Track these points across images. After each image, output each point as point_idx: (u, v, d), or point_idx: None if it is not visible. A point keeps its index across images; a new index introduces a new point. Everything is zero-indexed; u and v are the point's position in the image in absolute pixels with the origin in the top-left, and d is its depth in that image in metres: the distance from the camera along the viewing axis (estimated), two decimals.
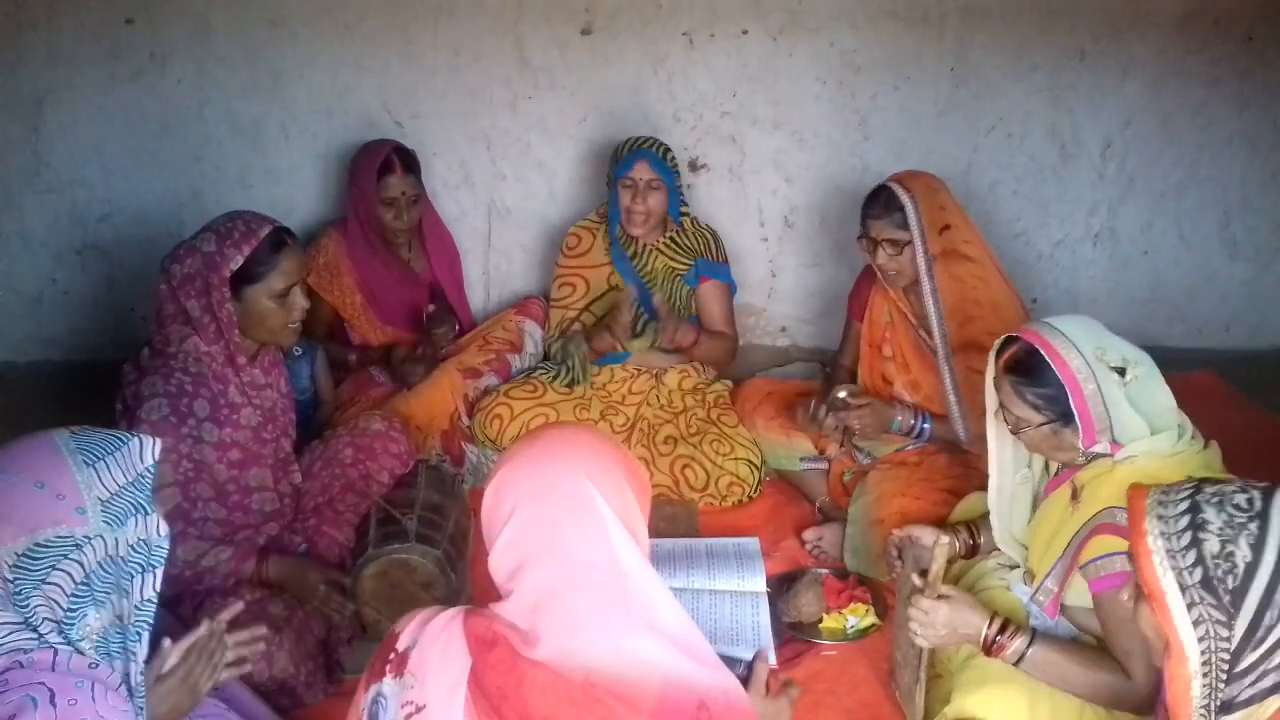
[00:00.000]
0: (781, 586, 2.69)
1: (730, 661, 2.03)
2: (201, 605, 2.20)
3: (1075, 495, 2.12)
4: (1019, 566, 2.35)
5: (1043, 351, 2.03)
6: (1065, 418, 2.04)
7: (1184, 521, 1.44)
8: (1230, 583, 1.40)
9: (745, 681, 1.71)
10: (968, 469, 2.86)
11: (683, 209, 3.36)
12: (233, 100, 3.53)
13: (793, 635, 2.58)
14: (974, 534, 2.49)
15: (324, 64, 3.53)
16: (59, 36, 3.40)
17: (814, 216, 3.80)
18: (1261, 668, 1.41)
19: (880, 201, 2.84)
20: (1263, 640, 1.40)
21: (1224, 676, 1.42)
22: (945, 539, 2.16)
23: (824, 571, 2.72)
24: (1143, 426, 2.03)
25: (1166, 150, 3.83)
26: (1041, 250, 3.93)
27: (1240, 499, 1.44)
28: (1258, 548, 1.40)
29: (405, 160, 3.22)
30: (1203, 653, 1.42)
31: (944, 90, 3.69)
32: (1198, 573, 1.41)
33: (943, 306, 2.83)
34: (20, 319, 3.70)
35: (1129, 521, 1.51)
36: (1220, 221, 3.95)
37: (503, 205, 3.76)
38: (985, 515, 2.54)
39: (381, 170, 3.18)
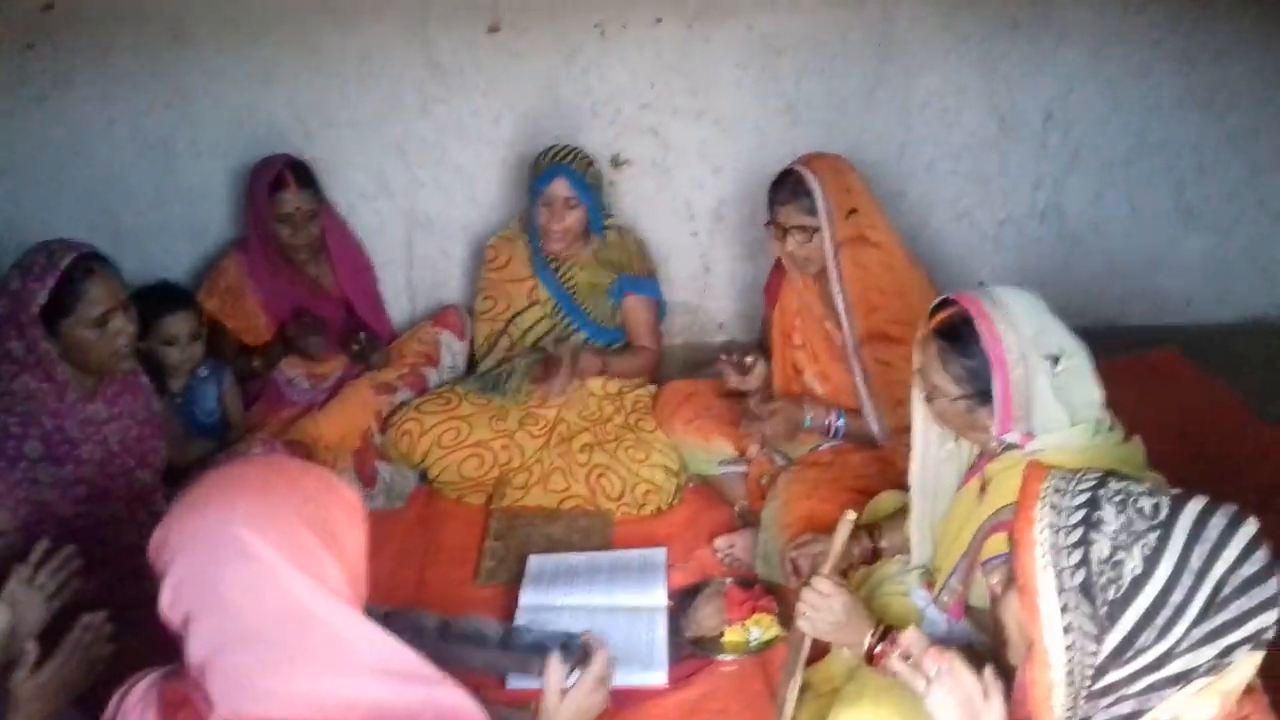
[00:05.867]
0: (687, 599, 2.59)
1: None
2: None
3: (984, 488, 1.99)
4: (919, 569, 2.23)
5: (978, 322, 1.88)
6: (984, 396, 1.90)
7: (1078, 516, 1.30)
8: (1112, 593, 1.27)
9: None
10: (884, 466, 2.73)
11: (606, 222, 3.25)
12: (139, 119, 3.46)
13: (692, 652, 2.47)
14: (874, 538, 2.37)
15: (230, 78, 3.44)
16: None
17: (744, 207, 3.66)
18: (1121, 691, 1.28)
19: (788, 186, 2.74)
20: (1130, 660, 1.27)
21: (1084, 693, 1.30)
22: (851, 515, 2.00)
23: (727, 581, 2.61)
24: (1063, 419, 1.88)
25: (1112, 117, 3.67)
26: (986, 230, 3.79)
27: (1146, 503, 1.29)
28: (1151, 560, 1.26)
29: (299, 174, 3.14)
30: (1068, 662, 1.29)
31: (871, 68, 3.55)
32: (1079, 575, 1.28)
33: (849, 297, 2.72)
34: None
35: (1019, 501, 1.37)
36: (1174, 190, 3.78)
37: (423, 214, 3.67)
38: (889, 517, 2.44)
39: (274, 186, 3.11)
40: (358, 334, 3.32)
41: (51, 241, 2.28)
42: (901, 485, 2.62)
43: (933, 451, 2.13)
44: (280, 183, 3.11)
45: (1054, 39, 3.55)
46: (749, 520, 2.88)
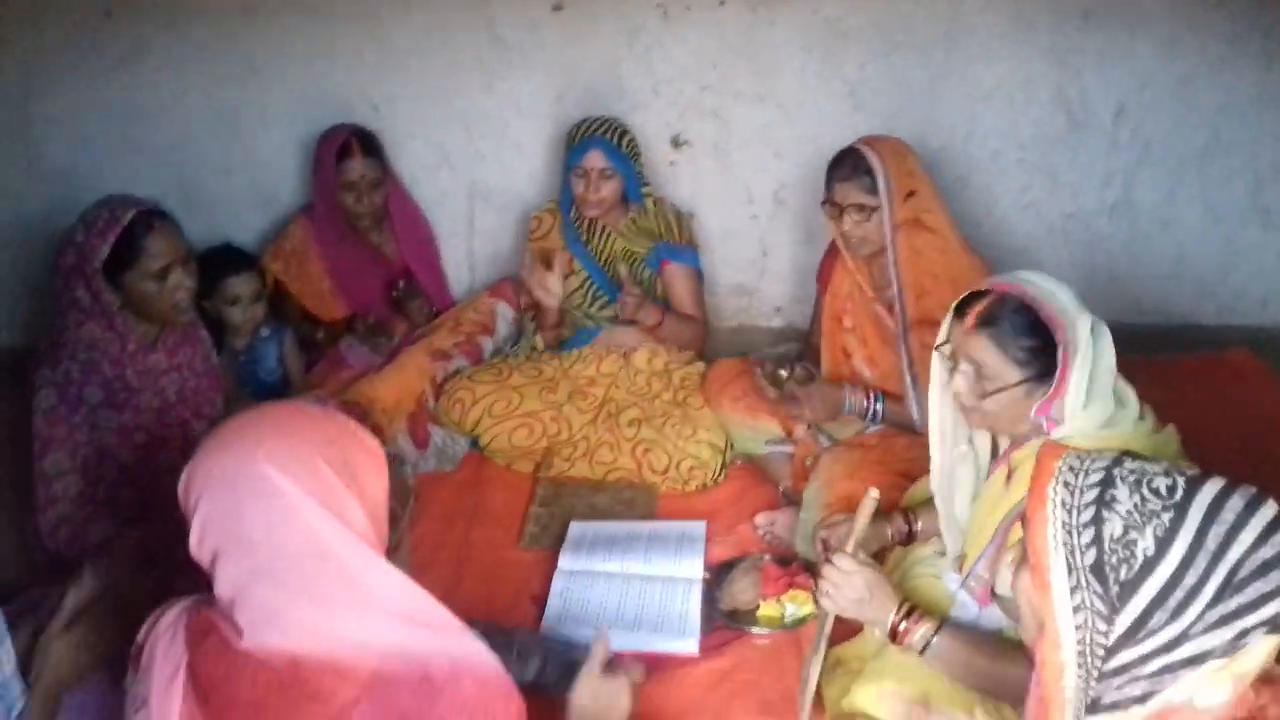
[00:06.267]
0: (724, 572, 2.59)
1: (572, 647, 1.96)
2: None
3: (1010, 476, 1.99)
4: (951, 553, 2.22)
5: (1029, 301, 1.87)
6: (1043, 376, 1.89)
7: (1092, 495, 1.27)
8: (1124, 573, 1.23)
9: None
10: (928, 451, 2.72)
11: (644, 189, 3.26)
12: (211, 89, 3.55)
13: (725, 623, 2.47)
14: (910, 521, 2.37)
15: (297, 51, 3.52)
16: (43, 30, 3.46)
17: (805, 192, 3.64)
18: (1133, 672, 1.25)
19: (848, 164, 2.73)
20: (1141, 640, 1.23)
21: (1095, 673, 1.28)
22: (874, 493, 2.00)
23: (765, 557, 2.61)
24: (1104, 396, 1.89)
25: (1186, 114, 3.57)
26: (1053, 223, 3.72)
27: (1161, 483, 1.26)
28: (1164, 542, 1.22)
29: (364, 143, 3.21)
30: (1078, 643, 1.26)
31: (938, 56, 3.51)
32: (1091, 554, 1.25)
33: (902, 279, 2.70)
34: (24, 304, 3.78)
35: (1033, 479, 1.34)
36: (1250, 189, 3.67)
37: (484, 186, 3.71)
38: (926, 501, 2.42)
39: (340, 154, 3.18)
40: (399, 284, 3.40)
41: (115, 196, 2.35)
42: None
43: (949, 454, 2.14)
44: (346, 150, 3.18)
45: (1127, 31, 3.47)
46: (793, 500, 2.87)
